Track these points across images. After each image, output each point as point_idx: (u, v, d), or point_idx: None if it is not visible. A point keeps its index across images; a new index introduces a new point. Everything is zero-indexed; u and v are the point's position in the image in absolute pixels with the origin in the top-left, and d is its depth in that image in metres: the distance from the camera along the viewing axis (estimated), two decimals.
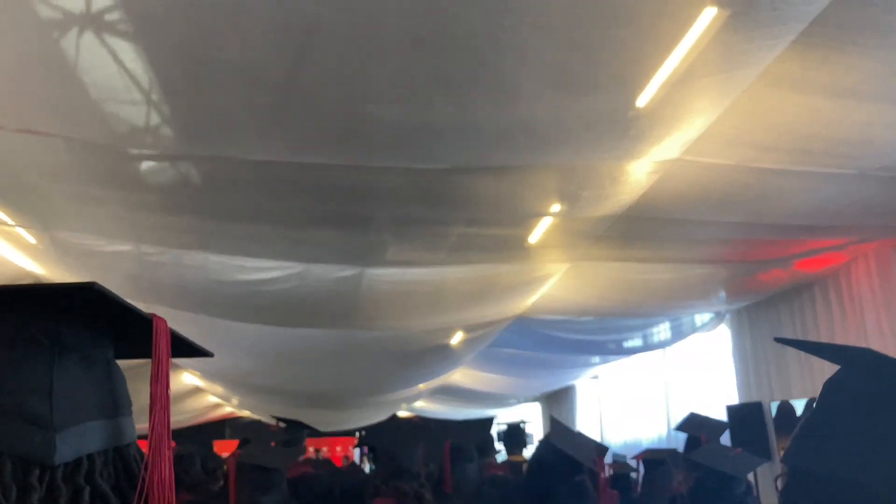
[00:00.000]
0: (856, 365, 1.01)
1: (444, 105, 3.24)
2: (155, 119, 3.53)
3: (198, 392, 13.11)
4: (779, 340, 1.34)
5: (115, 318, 0.97)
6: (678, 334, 8.96)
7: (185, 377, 11.67)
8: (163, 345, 0.97)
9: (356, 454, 16.41)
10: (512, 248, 5.49)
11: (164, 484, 0.93)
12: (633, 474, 5.08)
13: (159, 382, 0.96)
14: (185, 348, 1.07)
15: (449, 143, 3.65)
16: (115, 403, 0.97)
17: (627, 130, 3.58)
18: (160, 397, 0.96)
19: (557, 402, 14.67)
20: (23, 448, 0.86)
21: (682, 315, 8.67)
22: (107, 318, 0.97)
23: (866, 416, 0.95)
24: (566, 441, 3.27)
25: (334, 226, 4.86)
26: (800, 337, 7.18)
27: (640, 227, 5.09)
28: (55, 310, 0.94)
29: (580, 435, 3.88)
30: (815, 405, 1.03)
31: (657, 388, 10.41)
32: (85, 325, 0.97)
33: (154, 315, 0.98)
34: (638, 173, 4.14)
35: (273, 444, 5.58)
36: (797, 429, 1.05)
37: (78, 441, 0.90)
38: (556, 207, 4.67)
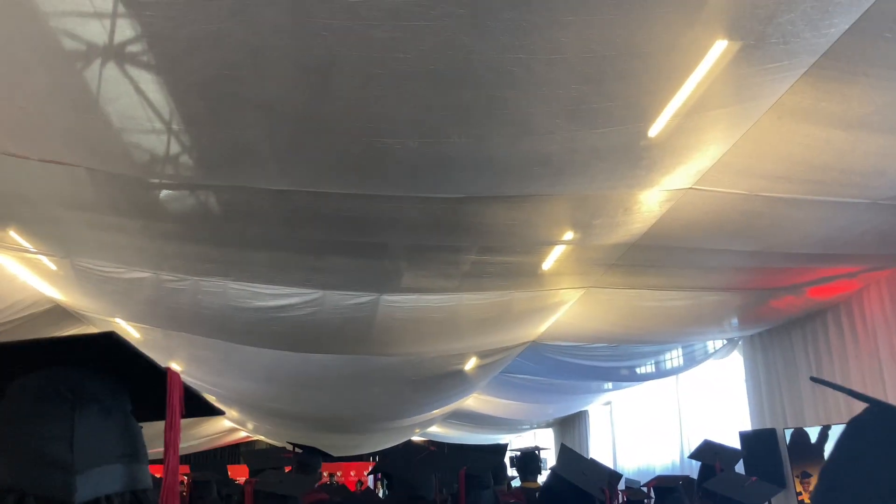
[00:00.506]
0: (880, 414, 1.00)
1: (460, 137, 3.26)
2: (175, 149, 3.57)
3: (213, 416, 13.09)
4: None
5: (131, 369, 1.04)
6: (691, 361, 8.87)
7: None
8: (176, 397, 1.04)
9: (370, 479, 16.30)
10: (525, 275, 5.48)
11: None
12: (647, 501, 5.01)
13: (172, 430, 1.03)
14: (197, 406, 1.14)
15: (464, 174, 3.67)
16: (131, 450, 1.04)
17: (640, 160, 3.59)
18: (172, 443, 1.03)
19: (570, 427, 14.52)
20: (46, 489, 0.93)
21: (694, 342, 8.59)
22: (123, 369, 1.04)
23: (887, 465, 0.94)
24: (574, 469, 3.21)
25: (351, 253, 4.88)
26: (813, 363, 7.09)
27: (653, 255, 5.08)
28: (76, 359, 1.01)
29: (590, 462, 3.80)
30: (837, 446, 1.01)
31: (670, 415, 10.29)
32: (103, 376, 1.04)
33: (169, 368, 1.05)
34: (650, 202, 4.14)
35: (288, 469, 5.54)
36: (821, 469, 1.03)
37: (96, 482, 0.97)
38: (569, 235, 4.68)
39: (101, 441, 0.99)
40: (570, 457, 3.44)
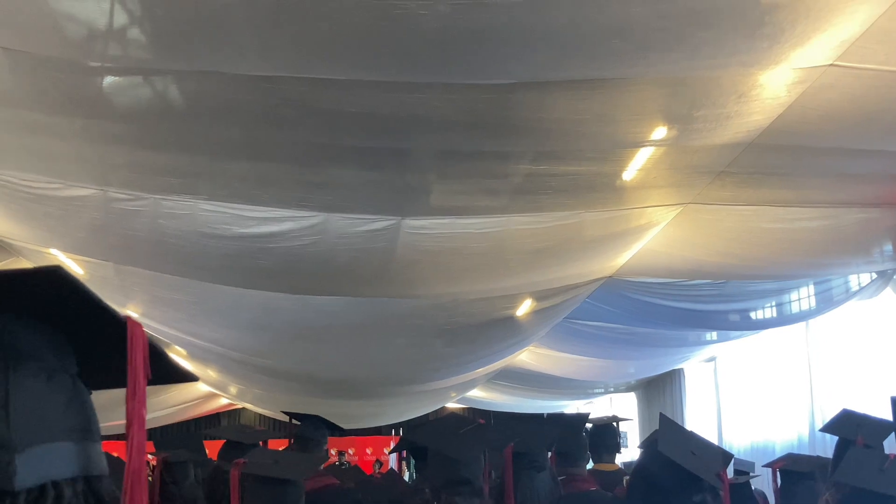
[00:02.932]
0: None
1: None
2: (121, 20, 3.58)
3: (183, 383, 13.48)
4: None
5: (78, 319, 1.05)
6: (826, 302, 8.83)
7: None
8: (139, 355, 1.04)
9: (391, 459, 16.80)
10: (599, 189, 5.48)
11: None
12: (753, 484, 5.09)
13: (136, 399, 1.04)
14: (163, 369, 1.14)
15: (513, 51, 3.64)
16: (82, 424, 1.06)
17: (760, 27, 3.53)
18: (137, 416, 1.04)
19: (659, 391, 14.70)
20: None
21: (832, 276, 8.54)
22: (69, 318, 1.05)
23: None
24: (680, 449, 3.28)
25: (361, 163, 4.91)
26: None
27: (777, 159, 5.04)
28: (7, 302, 1.01)
29: (699, 439, 3.87)
30: None
31: (797, 375, 10.33)
32: (43, 327, 1.05)
33: (129, 318, 1.06)
34: (775, 86, 4.09)
35: (288, 442, 5.75)
36: None
37: (42, 464, 0.99)
38: (660, 133, 4.66)
39: (43, 411, 1.00)
40: (675, 432, 3.51)
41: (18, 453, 0.96)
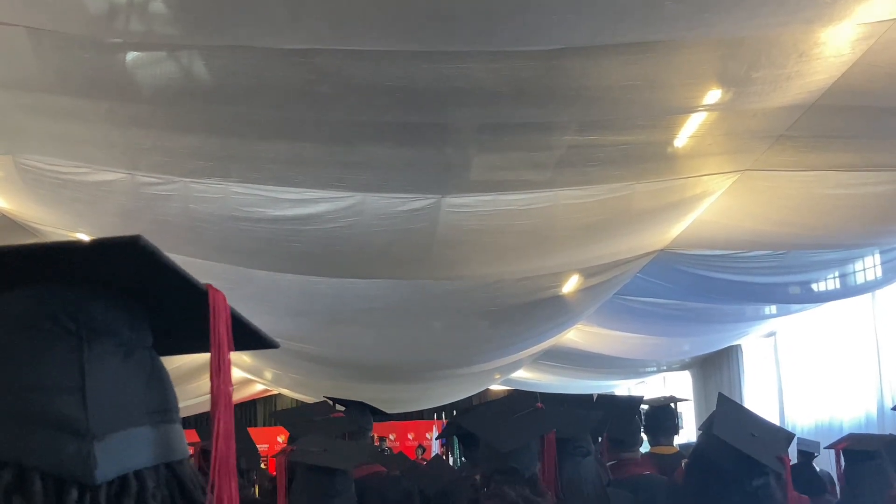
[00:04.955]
0: None
1: None
2: None
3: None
4: None
5: (153, 288, 1.00)
6: (894, 272, 8.71)
7: None
8: (222, 326, 1.00)
9: (434, 444, 16.89)
10: (649, 158, 5.43)
11: None
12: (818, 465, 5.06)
13: (221, 375, 1.00)
14: (245, 335, 1.09)
15: (558, 16, 3.60)
16: (162, 405, 1.01)
17: None
18: (223, 395, 0.99)
19: (715, 369, 14.60)
20: (54, 461, 0.91)
21: None
22: (143, 288, 1.01)
23: None
24: (739, 431, 3.26)
25: (399, 140, 4.91)
26: None
27: (841, 121, 4.98)
28: (80, 276, 0.97)
29: (759, 420, 3.85)
30: None
31: (864, 350, 10.22)
32: (117, 298, 1.00)
33: (210, 286, 1.01)
34: (839, 42, 4.03)
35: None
36: None
37: (122, 453, 0.94)
38: (714, 96, 4.60)
39: (122, 392, 0.96)
40: (734, 413, 3.47)
41: (97, 441, 0.92)
